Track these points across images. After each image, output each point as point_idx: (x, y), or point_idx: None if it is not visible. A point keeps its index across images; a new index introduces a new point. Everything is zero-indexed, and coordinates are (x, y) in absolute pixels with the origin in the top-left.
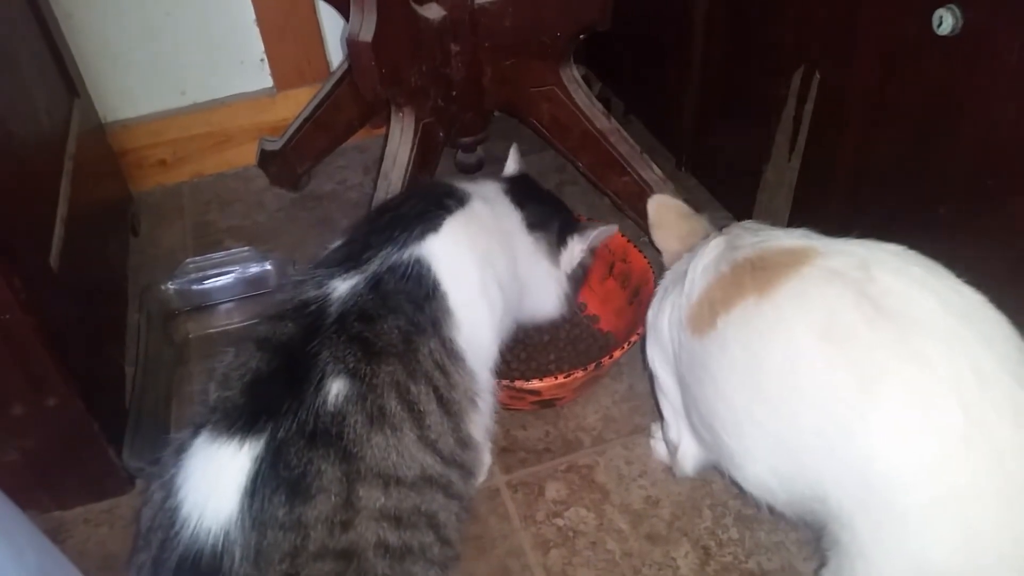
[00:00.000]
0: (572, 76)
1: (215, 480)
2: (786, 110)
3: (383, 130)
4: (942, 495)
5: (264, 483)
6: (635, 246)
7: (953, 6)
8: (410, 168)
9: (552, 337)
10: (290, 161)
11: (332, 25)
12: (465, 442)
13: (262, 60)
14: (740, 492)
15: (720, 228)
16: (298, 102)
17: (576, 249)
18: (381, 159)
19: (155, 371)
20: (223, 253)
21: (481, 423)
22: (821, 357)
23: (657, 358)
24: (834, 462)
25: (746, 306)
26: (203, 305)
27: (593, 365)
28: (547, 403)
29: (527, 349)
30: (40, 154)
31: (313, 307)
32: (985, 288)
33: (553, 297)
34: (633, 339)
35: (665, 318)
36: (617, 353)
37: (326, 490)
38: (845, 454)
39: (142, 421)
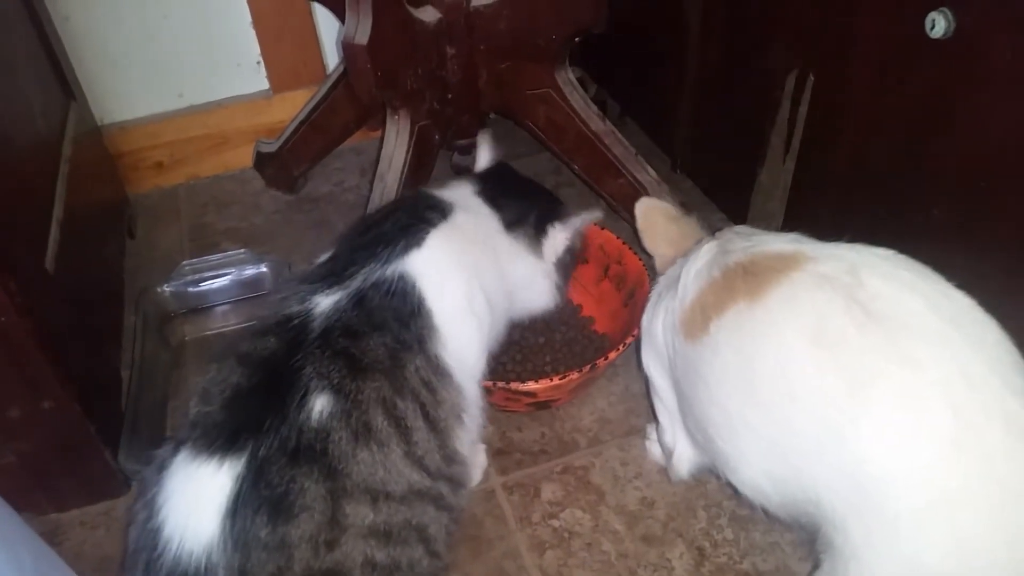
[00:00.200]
0: (567, 78)
1: (195, 501)
2: (780, 112)
3: (379, 132)
4: (933, 499)
5: (245, 503)
6: (631, 248)
7: (946, 9)
8: (406, 171)
9: (548, 339)
10: (286, 163)
11: (328, 28)
12: (452, 457)
13: (258, 63)
14: (735, 493)
15: (711, 229)
16: (294, 104)
17: (559, 238)
18: (377, 161)
19: (151, 373)
20: (219, 255)
21: (467, 439)
22: (812, 361)
23: (652, 362)
24: (826, 465)
25: (738, 311)
26: (199, 307)
27: (588, 367)
28: (543, 405)
29: (523, 351)
30: (36, 157)
31: (296, 322)
32: (978, 291)
33: (544, 290)
34: (628, 341)
35: (659, 322)
36: (612, 355)
37: (310, 508)
38: (837, 457)
39: (138, 423)
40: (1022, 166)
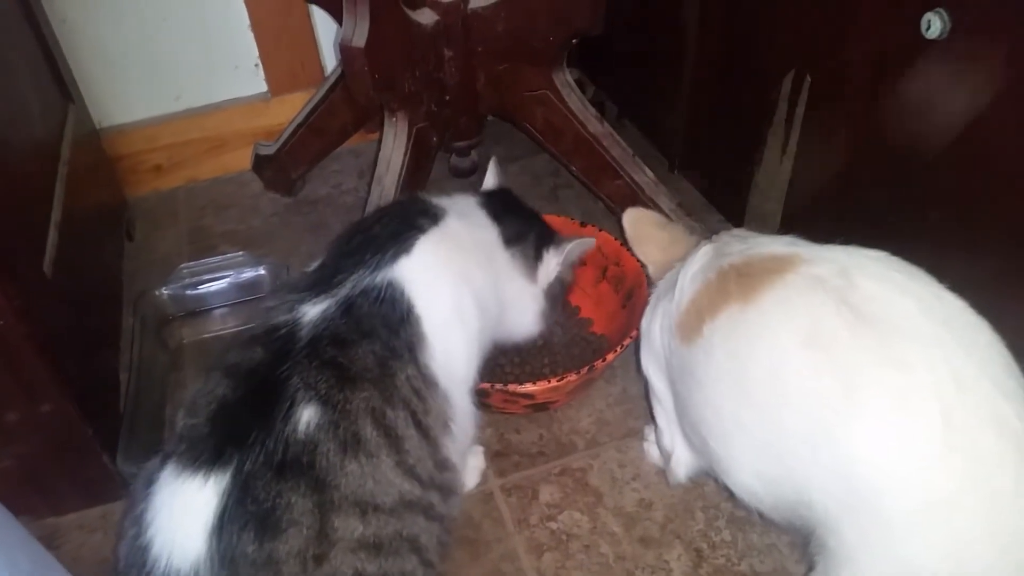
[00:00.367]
0: (565, 80)
1: (181, 517)
2: (777, 113)
3: (377, 135)
4: (925, 502)
5: (232, 519)
6: (628, 250)
7: (941, 10)
8: (404, 173)
9: (546, 341)
10: (285, 166)
11: (326, 30)
12: (444, 464)
13: (257, 65)
14: (732, 495)
15: (708, 231)
16: (293, 107)
17: (552, 263)
18: (375, 164)
19: (149, 376)
20: (217, 258)
21: (456, 448)
22: (804, 363)
23: (651, 366)
24: (819, 467)
25: (731, 313)
26: (197, 310)
27: (586, 369)
28: (541, 407)
29: (520, 353)
30: (34, 160)
31: (283, 332)
32: (973, 293)
33: (530, 315)
34: (626, 342)
35: (657, 326)
36: (610, 356)
37: (297, 523)
38: (830, 460)
39: (136, 427)
40: (1018, 168)
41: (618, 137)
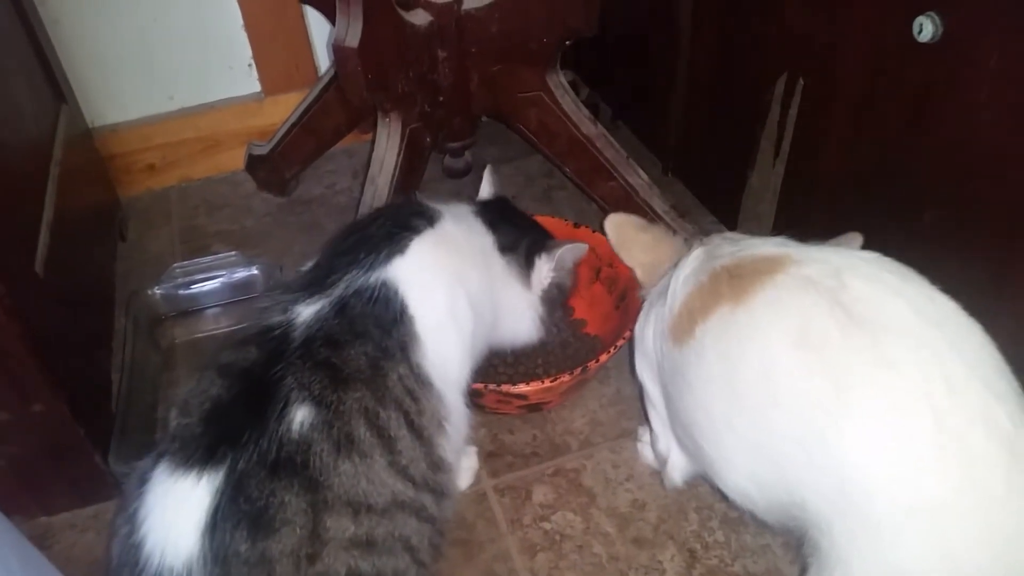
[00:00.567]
0: (559, 82)
1: (174, 516)
2: (771, 116)
3: (371, 135)
4: (916, 504)
5: (225, 517)
6: None
7: (933, 14)
8: (397, 173)
9: (540, 341)
10: (278, 166)
11: (320, 30)
12: (438, 465)
13: (250, 65)
14: (726, 497)
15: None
16: (286, 107)
17: (544, 269)
18: (368, 164)
19: (141, 376)
20: (210, 258)
21: (450, 447)
22: (795, 364)
23: (645, 371)
24: (811, 469)
25: (722, 314)
26: (190, 310)
27: (580, 369)
28: (534, 407)
29: (514, 353)
30: (26, 159)
31: (277, 332)
32: (966, 294)
33: (527, 321)
34: (620, 343)
35: (651, 331)
36: (604, 357)
37: (290, 522)
38: (821, 461)
39: (128, 426)
40: (1009, 169)
41: (612, 139)
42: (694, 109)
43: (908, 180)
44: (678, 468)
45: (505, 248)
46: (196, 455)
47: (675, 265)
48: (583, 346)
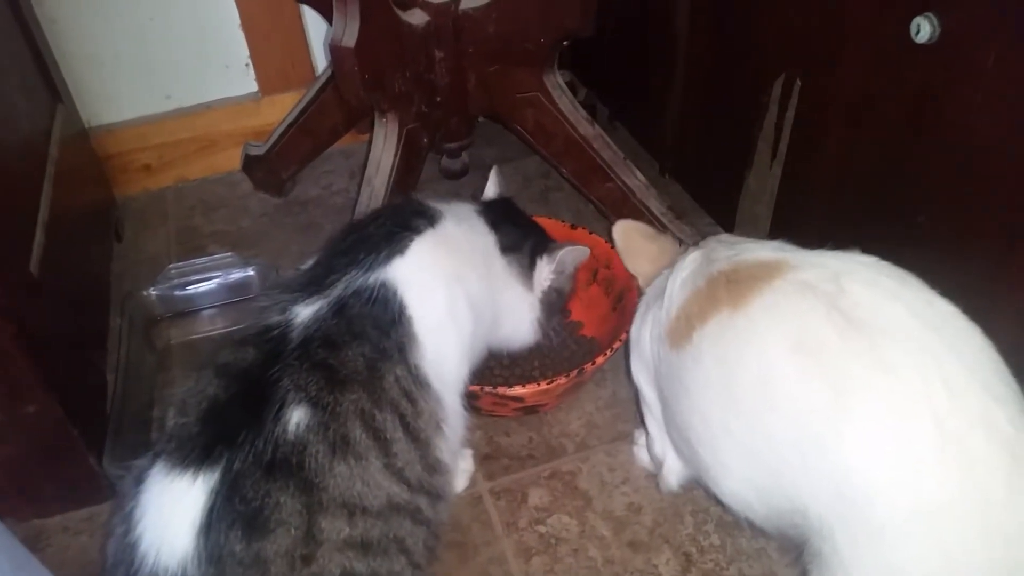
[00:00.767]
0: (556, 82)
1: (170, 515)
2: (768, 117)
3: (368, 136)
4: (917, 509)
5: (220, 517)
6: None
7: (931, 14)
8: (394, 174)
9: (536, 343)
10: (275, 166)
11: (317, 30)
12: (434, 467)
13: (247, 65)
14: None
15: (700, 235)
16: (283, 107)
17: (544, 270)
18: (365, 165)
19: (137, 377)
20: (206, 259)
21: (447, 449)
22: (794, 369)
23: (641, 374)
24: (810, 475)
25: (720, 319)
26: (185, 311)
27: (576, 372)
28: (530, 409)
29: (511, 355)
30: (21, 159)
31: (275, 332)
32: (963, 297)
33: (526, 323)
34: (616, 345)
35: (647, 333)
36: (600, 359)
37: (285, 523)
38: (821, 467)
39: (123, 428)
40: (1007, 171)
41: (609, 140)
42: (691, 110)
43: (905, 181)
44: (674, 472)
45: (507, 248)
46: (193, 455)
47: (671, 267)
48: (580, 348)
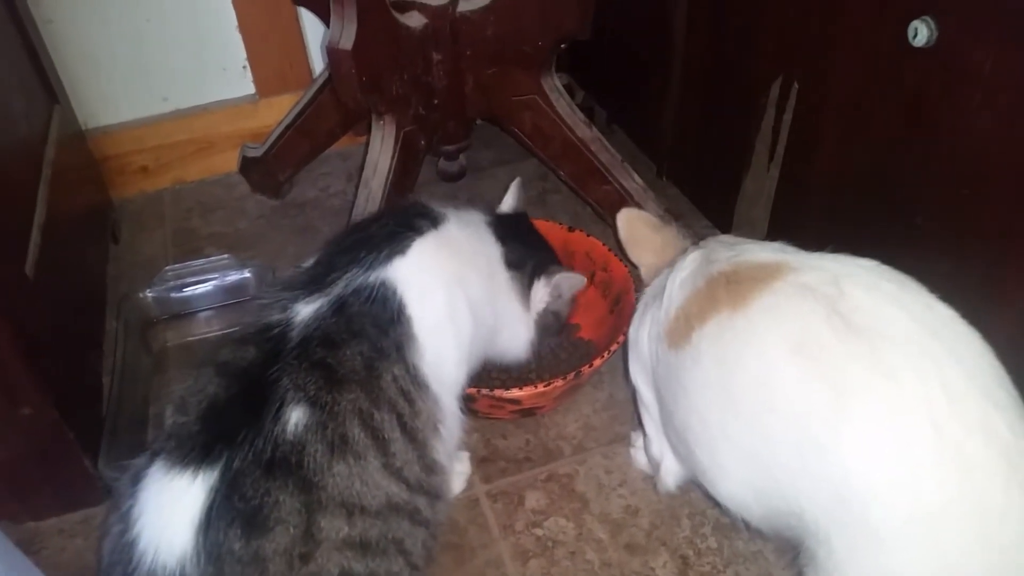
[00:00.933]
0: (554, 85)
1: (169, 513)
2: (765, 120)
3: (365, 138)
4: (914, 513)
5: (219, 515)
6: (616, 255)
7: (928, 18)
8: (391, 176)
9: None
10: (272, 168)
11: (314, 32)
12: (431, 468)
13: (244, 67)
14: (718, 503)
15: (696, 236)
16: (280, 109)
17: (540, 292)
18: (362, 167)
19: (133, 380)
20: (202, 261)
21: (444, 450)
22: (793, 371)
23: (639, 375)
24: (808, 477)
25: (720, 320)
26: (182, 313)
27: (573, 374)
28: (527, 412)
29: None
30: (17, 160)
31: (275, 331)
32: (961, 300)
33: (520, 341)
34: (613, 348)
35: (645, 333)
36: (597, 362)
37: (284, 522)
38: (818, 469)
39: (119, 430)
40: (1003, 174)
41: (606, 142)
42: (689, 113)
43: (902, 184)
44: (671, 473)
45: (511, 264)
46: (192, 453)
47: (672, 265)
48: (577, 350)
